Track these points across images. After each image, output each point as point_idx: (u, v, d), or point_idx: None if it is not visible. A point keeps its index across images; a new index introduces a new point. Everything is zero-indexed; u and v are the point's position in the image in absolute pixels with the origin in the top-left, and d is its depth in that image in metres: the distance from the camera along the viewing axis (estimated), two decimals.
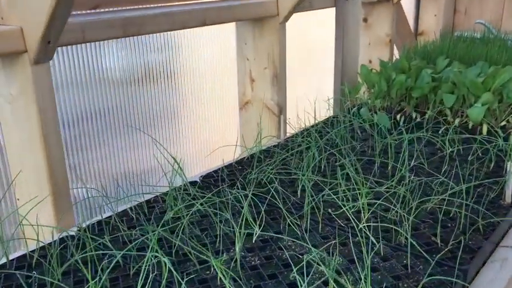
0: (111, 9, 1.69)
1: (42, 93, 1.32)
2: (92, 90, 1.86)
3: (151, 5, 1.79)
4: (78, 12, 1.54)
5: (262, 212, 1.35)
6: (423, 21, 3.72)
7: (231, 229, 1.26)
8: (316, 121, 2.16)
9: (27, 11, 1.21)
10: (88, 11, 1.59)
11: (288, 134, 2.14)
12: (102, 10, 1.65)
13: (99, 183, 1.81)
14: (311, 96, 2.29)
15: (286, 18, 2.08)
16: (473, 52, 2.48)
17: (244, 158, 1.78)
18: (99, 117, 1.89)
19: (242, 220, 1.24)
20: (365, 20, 3.03)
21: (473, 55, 2.46)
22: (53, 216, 1.42)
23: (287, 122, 2.22)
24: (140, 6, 1.77)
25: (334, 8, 2.40)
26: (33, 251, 1.17)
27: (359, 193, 1.36)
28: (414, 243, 1.18)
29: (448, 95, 1.97)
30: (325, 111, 2.23)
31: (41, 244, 1.18)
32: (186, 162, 2.35)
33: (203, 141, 2.45)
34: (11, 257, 1.16)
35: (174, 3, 1.87)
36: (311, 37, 2.98)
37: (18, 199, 1.51)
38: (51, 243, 1.19)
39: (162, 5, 1.81)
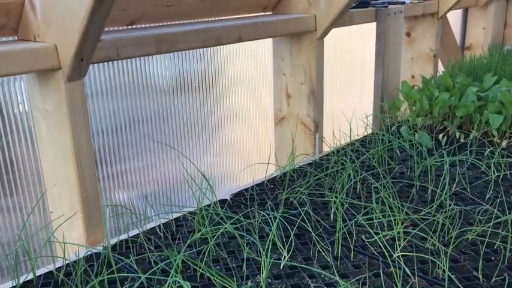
0: (147, 25, 1.70)
1: (75, 109, 1.33)
2: (123, 101, 1.88)
3: (188, 21, 1.80)
4: (112, 29, 1.55)
5: (292, 235, 1.30)
6: (470, 34, 3.57)
7: (258, 254, 1.22)
8: (354, 138, 2.09)
9: (61, 29, 1.22)
10: (123, 28, 1.61)
11: (324, 152, 2.08)
12: (138, 26, 1.67)
13: (128, 197, 1.82)
14: (349, 112, 2.23)
15: (325, 33, 2.03)
16: None
17: (277, 176, 1.74)
18: (130, 128, 1.90)
19: (269, 244, 1.19)
20: (408, 34, 2.94)
21: None
22: (83, 232, 1.42)
23: (323, 139, 2.16)
24: (176, 22, 1.77)
25: (375, 23, 2.33)
26: (59, 268, 1.17)
27: (395, 220, 1.29)
28: (453, 277, 1.10)
29: (494, 115, 1.86)
30: (363, 129, 2.16)
31: (67, 261, 1.17)
32: (221, 175, 2.34)
33: (239, 155, 2.43)
34: (38, 273, 1.17)
35: (210, 19, 1.87)
36: (350, 51, 2.93)
37: (51, 212, 1.53)
38: (77, 260, 1.19)
39: (198, 20, 1.81)
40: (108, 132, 1.86)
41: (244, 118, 2.42)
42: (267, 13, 2.10)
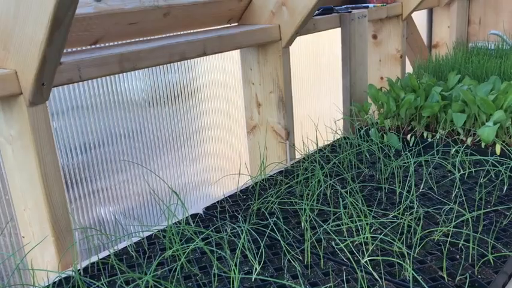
0: (111, 43, 1.70)
1: (40, 133, 1.33)
2: (91, 118, 1.88)
3: (152, 37, 1.80)
4: (74, 49, 1.55)
5: (262, 247, 1.31)
6: (436, 33, 3.65)
7: (229, 268, 1.23)
8: (325, 143, 2.12)
9: (20, 55, 1.22)
10: (86, 47, 1.61)
11: (296, 159, 2.11)
12: (101, 45, 1.67)
13: (99, 217, 1.81)
14: (321, 118, 2.27)
15: (290, 42, 2.06)
16: (486, 66, 2.41)
17: (249, 186, 1.75)
18: (100, 146, 1.90)
19: (238, 258, 1.21)
20: (374, 36, 2.99)
21: (486, 69, 2.39)
22: (56, 256, 1.41)
23: (295, 146, 2.19)
24: (140, 39, 1.78)
25: (340, 28, 2.37)
26: None
27: (363, 224, 1.32)
28: (419, 278, 1.13)
29: (458, 114, 1.91)
30: (334, 133, 2.19)
31: None
32: (196, 187, 2.34)
33: (214, 166, 2.44)
34: None
35: (175, 34, 1.87)
36: (319, 57, 2.97)
37: (23, 236, 1.52)
38: (48, 286, 1.18)
39: (162, 36, 1.82)
40: (78, 151, 1.85)
41: (217, 128, 2.43)
42: (232, 25, 2.12)
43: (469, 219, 1.34)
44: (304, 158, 1.95)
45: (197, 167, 2.35)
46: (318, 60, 2.91)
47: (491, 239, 1.26)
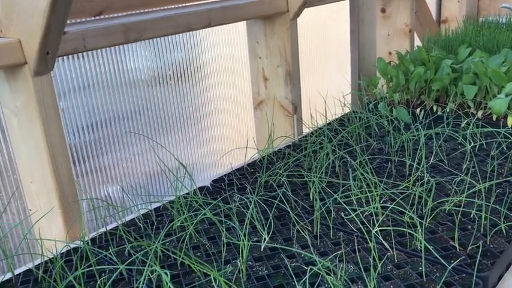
0: (115, 15, 1.67)
1: (45, 104, 1.31)
2: (98, 96, 1.86)
3: (156, 8, 1.77)
4: (79, 21, 1.52)
5: (270, 218, 1.30)
6: (446, 8, 3.58)
7: (238, 238, 1.22)
8: (333, 118, 2.10)
9: (23, 23, 1.20)
10: (90, 19, 1.58)
11: (304, 133, 2.09)
12: (106, 16, 1.64)
13: (108, 192, 1.81)
14: (329, 92, 2.23)
15: (297, 14, 2.02)
16: (498, 39, 2.36)
17: (257, 160, 1.74)
18: (108, 123, 1.88)
19: (247, 228, 1.20)
20: (383, 10, 2.93)
21: (498, 42, 2.34)
22: (63, 227, 1.41)
23: (302, 120, 2.16)
24: (145, 10, 1.74)
25: (348, 1, 2.32)
26: (38, 265, 1.16)
27: (372, 196, 1.30)
28: (430, 248, 1.12)
29: (469, 86, 1.87)
30: (342, 107, 2.16)
31: (46, 258, 1.16)
32: (203, 163, 2.33)
33: (221, 142, 2.42)
34: (17, 272, 1.16)
35: (179, 5, 1.84)
36: (328, 31, 2.91)
37: (30, 209, 1.51)
38: (56, 257, 1.18)
39: (167, 7, 1.78)
40: (86, 129, 1.84)
41: (224, 104, 2.40)
42: None
43: (481, 190, 1.31)
44: (312, 132, 1.93)
45: (204, 143, 2.34)
46: (326, 33, 2.86)
47: (503, 209, 1.24)
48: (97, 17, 1.63)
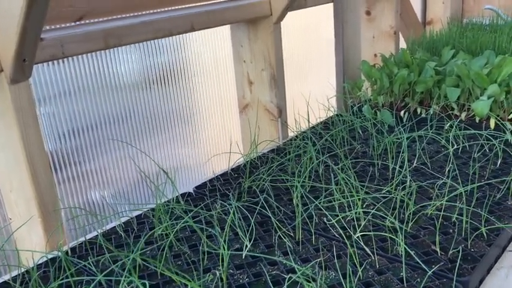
0: (96, 20, 1.65)
1: (22, 112, 1.29)
2: (79, 102, 1.84)
3: (138, 13, 1.75)
4: (58, 26, 1.50)
5: (252, 224, 1.29)
6: (431, 9, 3.60)
7: (219, 245, 1.21)
8: (318, 121, 2.09)
9: None
10: (70, 24, 1.56)
11: (288, 137, 2.08)
12: (86, 21, 1.62)
13: (90, 199, 1.78)
14: (314, 95, 2.23)
15: (280, 18, 2.01)
16: (481, 40, 2.38)
17: (241, 164, 1.73)
18: (90, 129, 1.86)
19: (227, 235, 1.19)
20: (368, 13, 2.94)
21: (481, 44, 2.36)
22: (43, 236, 1.39)
23: (287, 124, 2.16)
24: (127, 15, 1.73)
25: (332, 4, 2.32)
26: (15, 277, 1.14)
27: (355, 200, 1.30)
28: (412, 253, 1.11)
29: (452, 88, 1.88)
30: (327, 111, 2.16)
31: (23, 269, 1.15)
32: (189, 168, 2.31)
33: (207, 146, 2.41)
34: None
35: (162, 10, 1.82)
36: (314, 34, 2.91)
37: (10, 219, 1.49)
38: (33, 267, 1.16)
39: (149, 12, 1.77)
40: (68, 135, 1.81)
41: (209, 108, 2.39)
42: (222, 0, 2.06)
43: (463, 193, 1.32)
44: (296, 136, 1.92)
45: (189, 148, 2.32)
46: (311, 36, 2.85)
47: (484, 213, 1.24)
48: (77, 23, 1.61)
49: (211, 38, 2.32)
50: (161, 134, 2.17)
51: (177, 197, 1.49)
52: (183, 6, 1.82)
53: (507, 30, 2.54)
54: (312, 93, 2.31)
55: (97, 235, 1.29)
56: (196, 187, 1.58)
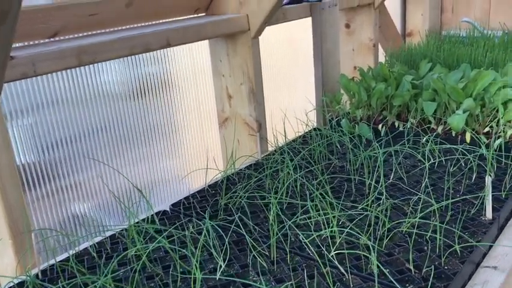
0: (71, 36, 1.64)
1: None
2: (53, 116, 1.81)
3: (114, 28, 1.74)
4: (32, 43, 1.48)
5: (229, 243, 1.28)
6: (410, 21, 3.64)
7: (193, 266, 1.19)
8: (297, 135, 2.09)
9: None
10: (44, 41, 1.54)
11: (268, 151, 2.08)
12: (61, 38, 1.60)
13: (62, 219, 1.75)
14: (295, 109, 2.23)
15: (258, 32, 2.02)
16: (458, 53, 2.41)
17: (219, 181, 1.71)
18: (65, 144, 1.83)
19: (199, 256, 1.17)
20: (347, 26, 2.97)
21: (458, 57, 2.39)
22: (14, 259, 1.36)
23: (266, 138, 2.15)
24: (103, 31, 1.71)
25: (311, 18, 2.34)
26: None
27: (331, 217, 1.29)
28: (386, 271, 1.11)
29: (428, 102, 1.90)
30: (306, 125, 2.16)
31: None
32: (167, 183, 2.29)
33: (186, 159, 2.39)
34: None
35: (138, 25, 1.81)
36: (295, 47, 2.93)
37: None
38: None
39: (125, 28, 1.76)
40: (42, 150, 1.79)
41: (189, 122, 2.38)
42: (200, 15, 2.06)
43: (437, 209, 1.32)
44: (275, 150, 1.92)
45: (169, 162, 2.30)
46: (292, 49, 2.87)
47: (457, 229, 1.25)
48: (51, 39, 1.59)
49: (192, 50, 2.31)
50: (140, 147, 2.15)
51: (152, 215, 1.48)
52: (159, 21, 1.81)
53: (482, 43, 2.58)
54: (292, 107, 2.31)
55: (68, 257, 1.26)
56: (172, 205, 1.56)
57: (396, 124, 2.04)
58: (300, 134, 2.10)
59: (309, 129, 2.12)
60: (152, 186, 2.20)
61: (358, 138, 1.97)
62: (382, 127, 2.03)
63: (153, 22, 1.87)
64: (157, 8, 1.83)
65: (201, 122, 2.45)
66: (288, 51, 2.89)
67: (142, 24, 1.82)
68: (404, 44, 3.51)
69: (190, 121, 2.38)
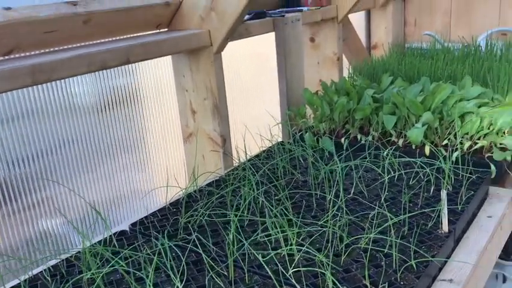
0: (26, 54, 1.60)
1: None
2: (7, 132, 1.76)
3: (71, 45, 1.71)
4: None
5: (187, 263, 1.26)
6: (374, 34, 3.71)
7: None
8: (261, 149, 2.10)
9: None
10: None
11: (232, 167, 2.07)
12: (16, 56, 1.57)
13: (12, 242, 1.70)
14: (261, 123, 2.23)
15: (221, 48, 2.02)
16: (418, 67, 2.46)
17: (181, 198, 1.69)
18: (20, 163, 1.78)
19: (151, 278, 1.15)
20: (312, 39, 3.00)
21: (418, 70, 2.44)
22: None
23: (231, 153, 2.15)
24: (59, 48, 1.68)
25: (274, 33, 2.36)
26: None
27: (290, 235, 1.29)
28: None
29: (388, 116, 1.93)
30: (271, 139, 2.17)
31: None
32: (132, 198, 2.25)
33: (152, 175, 2.36)
34: None
35: (97, 42, 1.79)
36: (260, 60, 2.94)
37: None
38: None
39: (82, 44, 1.73)
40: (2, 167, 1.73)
41: (155, 136, 2.35)
42: (161, 30, 2.05)
43: (393, 224, 1.34)
44: (239, 165, 1.91)
45: (135, 176, 2.27)
46: (260, 62, 2.88)
47: (413, 244, 1.26)
48: (6, 57, 1.56)
49: (160, 64, 2.28)
50: (106, 162, 2.11)
51: (110, 236, 1.45)
52: (118, 38, 1.80)
53: (443, 56, 2.65)
54: (259, 121, 2.31)
55: (20, 283, 1.22)
56: (132, 224, 1.53)
57: (358, 137, 2.06)
58: (265, 148, 2.10)
59: (274, 143, 2.13)
60: (117, 203, 2.16)
61: (321, 152, 1.98)
62: (344, 140, 2.05)
63: (113, 38, 1.84)
64: (117, 24, 1.81)
65: (167, 136, 2.43)
66: (255, 64, 2.90)
67: (102, 40, 1.80)
68: (370, 56, 3.58)
69: (156, 136, 2.36)
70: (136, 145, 2.27)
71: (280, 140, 2.23)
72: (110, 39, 1.83)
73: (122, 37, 1.86)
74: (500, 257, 3.47)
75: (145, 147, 2.31)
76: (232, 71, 2.69)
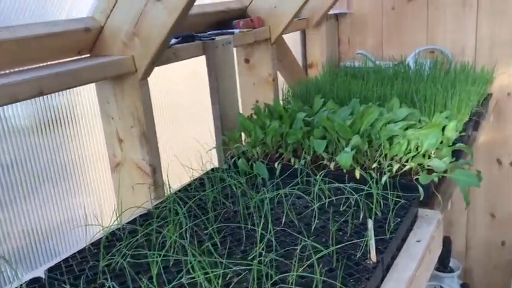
0: None
1: None
2: None
3: None
4: None
5: None
6: (310, 53, 3.75)
7: None
8: (195, 177, 2.02)
9: None
10: None
11: (162, 198, 1.98)
12: None
13: None
14: (197, 149, 2.16)
15: (146, 73, 1.94)
16: (350, 87, 2.49)
17: (103, 237, 1.59)
18: None
19: None
20: (247, 60, 2.98)
21: (350, 91, 2.46)
22: None
23: (163, 184, 2.06)
24: None
25: (204, 57, 2.30)
26: None
27: (212, 277, 1.23)
28: None
29: (318, 140, 1.92)
30: (204, 166, 2.10)
31: None
32: (59, 235, 2.11)
33: (78, 209, 2.22)
34: None
35: (10, 71, 1.66)
36: (199, 83, 2.87)
37: None
38: None
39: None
40: None
41: (84, 164, 2.22)
42: (82, 56, 1.95)
43: (324, 255, 1.30)
44: (168, 198, 1.83)
45: (63, 208, 2.12)
46: (196, 85, 2.80)
47: (339, 279, 1.23)
48: None
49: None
50: (40, 190, 1.95)
51: (21, 285, 1.32)
52: (29, 67, 1.68)
53: (373, 76, 2.69)
54: (197, 144, 2.24)
55: None
56: (48, 270, 1.41)
57: (292, 161, 2.03)
58: (197, 176, 2.03)
59: (208, 170, 2.06)
60: (50, 232, 2.01)
61: (254, 179, 1.94)
62: (278, 165, 2.01)
63: (27, 67, 1.72)
64: (31, 52, 1.69)
65: (97, 165, 2.30)
66: (191, 87, 2.83)
67: (13, 70, 1.67)
68: (307, 75, 3.60)
69: (85, 165, 2.22)
70: (65, 175, 2.13)
71: (214, 166, 2.17)
72: (24, 68, 1.70)
73: (32, 67, 1.73)
74: (437, 269, 3.56)
75: (76, 176, 2.18)
76: (167, 93, 2.61)
